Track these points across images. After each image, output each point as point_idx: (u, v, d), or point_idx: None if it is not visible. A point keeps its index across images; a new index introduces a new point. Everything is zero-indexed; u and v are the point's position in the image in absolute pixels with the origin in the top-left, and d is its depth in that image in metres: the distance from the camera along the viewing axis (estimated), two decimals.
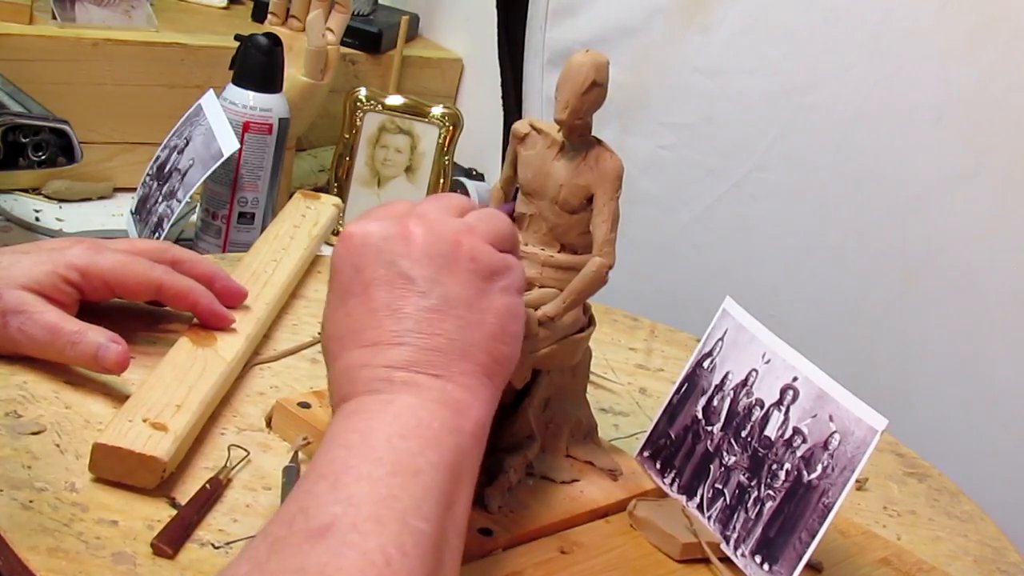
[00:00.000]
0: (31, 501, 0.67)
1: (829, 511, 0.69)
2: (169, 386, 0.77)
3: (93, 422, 0.75)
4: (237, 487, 0.73)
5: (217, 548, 0.67)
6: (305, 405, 0.80)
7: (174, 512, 0.69)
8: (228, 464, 0.74)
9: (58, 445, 0.72)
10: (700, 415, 0.78)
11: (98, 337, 0.78)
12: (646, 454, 0.81)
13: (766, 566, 0.71)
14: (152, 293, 0.85)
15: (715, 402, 0.78)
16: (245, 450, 0.76)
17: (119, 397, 0.78)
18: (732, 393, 0.77)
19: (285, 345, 0.91)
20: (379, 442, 0.58)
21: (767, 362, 0.75)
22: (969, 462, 1.08)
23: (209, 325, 0.86)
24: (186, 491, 0.71)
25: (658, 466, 0.80)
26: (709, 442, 0.77)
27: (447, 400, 0.61)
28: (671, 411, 0.81)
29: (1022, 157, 1.11)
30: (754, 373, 0.76)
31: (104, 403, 0.78)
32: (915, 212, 1.18)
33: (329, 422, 0.62)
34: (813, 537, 0.69)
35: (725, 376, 0.78)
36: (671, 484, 0.79)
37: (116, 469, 0.70)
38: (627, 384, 1.00)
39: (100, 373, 0.79)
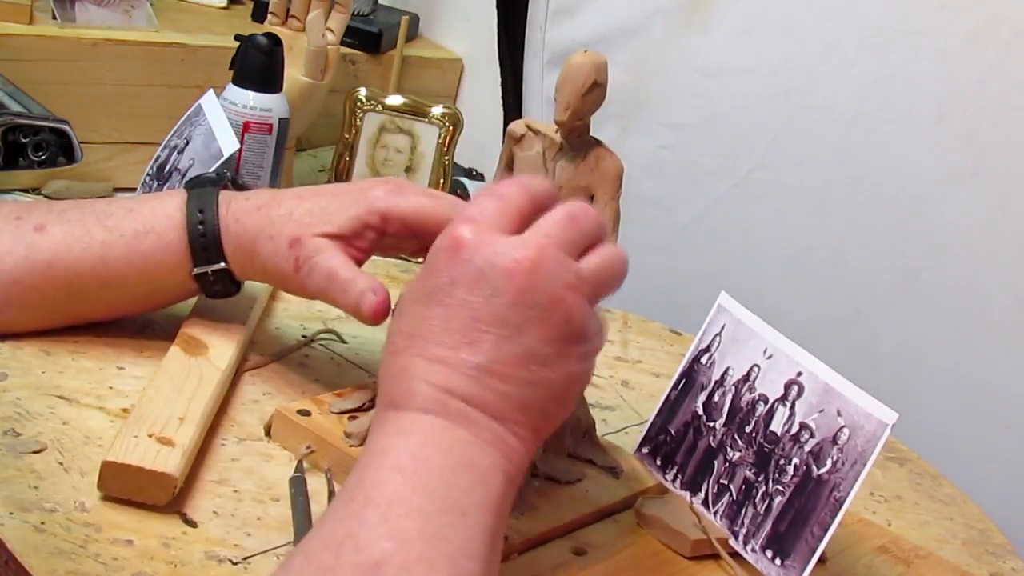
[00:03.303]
0: (43, 523, 0.65)
1: (841, 505, 0.69)
2: (169, 398, 0.76)
3: (93, 437, 0.74)
4: (246, 499, 0.72)
5: (235, 564, 0.66)
6: (305, 412, 0.78)
7: (187, 528, 0.68)
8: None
9: (61, 463, 0.71)
10: (700, 411, 0.78)
11: (363, 285, 0.76)
12: (644, 450, 0.81)
13: (778, 560, 0.71)
14: None
15: (716, 398, 0.78)
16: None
17: (114, 410, 0.77)
18: (734, 389, 0.77)
19: (270, 349, 0.90)
20: (433, 475, 0.58)
21: (769, 357, 0.75)
22: (970, 462, 1.08)
23: None
24: (195, 505, 0.70)
25: (658, 462, 0.80)
26: (712, 438, 0.77)
27: (497, 442, 0.61)
28: (669, 407, 0.81)
29: (1022, 157, 1.11)
30: (756, 369, 0.76)
31: (100, 417, 0.76)
32: (915, 212, 1.18)
33: (376, 424, 0.62)
34: (825, 531, 0.69)
35: (725, 372, 0.78)
36: (673, 480, 0.79)
37: (126, 487, 0.68)
38: (609, 377, 1.00)
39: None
